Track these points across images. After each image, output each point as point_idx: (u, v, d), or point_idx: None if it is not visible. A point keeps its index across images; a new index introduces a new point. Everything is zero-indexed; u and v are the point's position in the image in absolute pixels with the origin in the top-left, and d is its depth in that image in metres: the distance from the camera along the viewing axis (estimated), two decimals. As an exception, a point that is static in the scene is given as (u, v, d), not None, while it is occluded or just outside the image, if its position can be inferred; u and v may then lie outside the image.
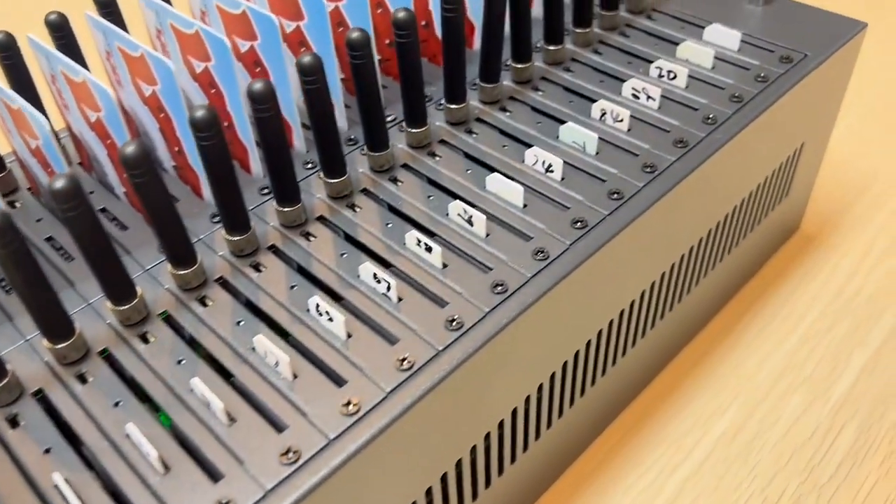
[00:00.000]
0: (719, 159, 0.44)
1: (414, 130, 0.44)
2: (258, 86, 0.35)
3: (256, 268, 0.38)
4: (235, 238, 0.38)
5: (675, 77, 0.48)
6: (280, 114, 0.36)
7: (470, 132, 0.46)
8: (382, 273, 0.36)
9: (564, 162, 0.42)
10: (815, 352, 0.56)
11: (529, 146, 0.43)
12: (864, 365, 0.55)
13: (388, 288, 0.36)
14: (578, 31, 0.52)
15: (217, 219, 0.41)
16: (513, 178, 0.42)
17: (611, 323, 0.44)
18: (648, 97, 0.47)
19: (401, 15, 0.40)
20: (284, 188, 0.39)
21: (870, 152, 0.74)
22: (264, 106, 0.36)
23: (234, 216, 0.38)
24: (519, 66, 0.48)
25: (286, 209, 0.40)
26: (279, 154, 0.38)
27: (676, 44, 0.51)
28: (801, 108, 0.51)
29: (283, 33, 0.44)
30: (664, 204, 0.41)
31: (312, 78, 0.37)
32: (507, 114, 0.47)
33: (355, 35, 0.38)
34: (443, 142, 0.45)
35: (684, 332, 0.56)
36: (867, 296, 0.60)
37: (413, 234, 0.38)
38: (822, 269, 0.63)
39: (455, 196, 0.41)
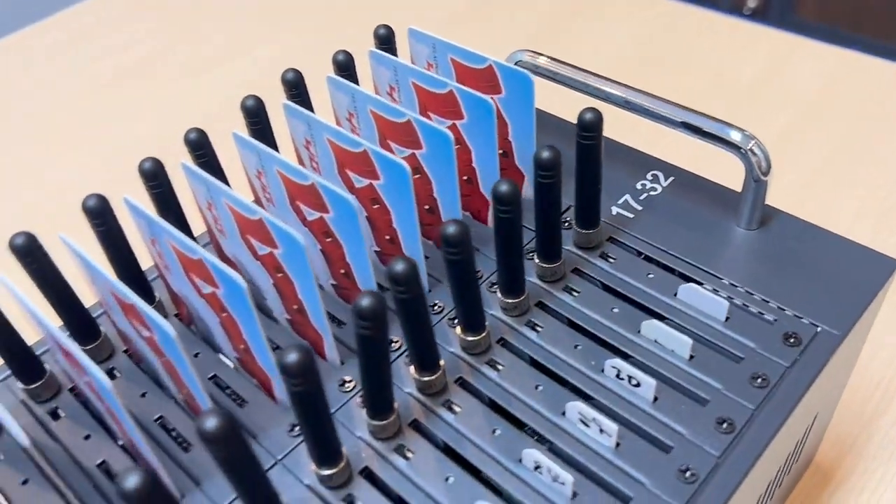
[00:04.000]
0: None
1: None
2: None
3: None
4: (379, 422, 0.34)
5: (638, 385, 0.34)
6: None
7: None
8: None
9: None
10: None
11: None
12: None
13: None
14: (508, 300, 0.38)
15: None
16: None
17: None
18: (601, 430, 0.33)
19: (503, 188, 0.34)
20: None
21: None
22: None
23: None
24: (423, 378, 0.35)
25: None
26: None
27: (640, 305, 0.38)
28: (815, 396, 0.37)
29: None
30: None
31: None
32: (407, 458, 0.34)
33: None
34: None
35: None
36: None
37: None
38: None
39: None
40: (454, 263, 0.33)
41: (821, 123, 0.77)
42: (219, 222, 0.38)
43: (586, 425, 0.33)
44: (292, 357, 0.28)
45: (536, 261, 0.40)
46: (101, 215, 0.36)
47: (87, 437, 0.36)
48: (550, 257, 0.39)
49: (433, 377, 0.35)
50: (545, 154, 0.35)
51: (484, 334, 0.37)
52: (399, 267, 0.31)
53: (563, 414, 0.34)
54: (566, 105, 0.48)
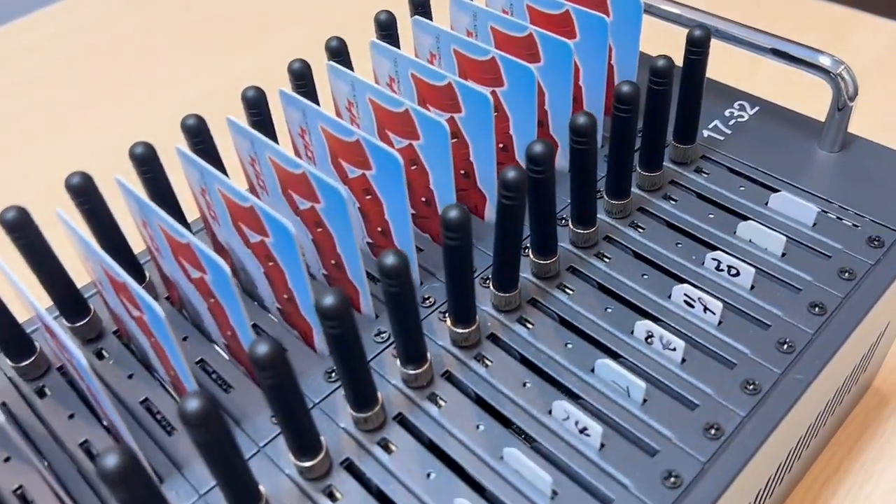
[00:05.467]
0: (799, 410, 0.35)
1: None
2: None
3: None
4: (362, 414, 0.34)
5: (737, 274, 0.38)
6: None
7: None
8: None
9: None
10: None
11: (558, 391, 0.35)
12: None
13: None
14: (614, 201, 0.42)
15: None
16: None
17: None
18: (706, 309, 0.37)
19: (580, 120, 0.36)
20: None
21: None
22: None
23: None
24: (540, 261, 0.39)
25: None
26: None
27: (733, 212, 0.42)
28: (893, 297, 0.40)
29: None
30: (730, 491, 0.32)
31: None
32: (528, 328, 0.37)
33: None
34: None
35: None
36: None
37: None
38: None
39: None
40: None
41: (883, 87, 0.77)
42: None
43: (691, 306, 0.37)
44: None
45: (638, 170, 0.43)
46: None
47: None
48: (652, 167, 0.43)
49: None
50: (661, 62, 0.39)
51: (593, 229, 0.40)
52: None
53: (669, 297, 0.38)
54: (653, 42, 0.49)
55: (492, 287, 0.38)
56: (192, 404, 0.26)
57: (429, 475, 0.33)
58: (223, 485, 0.29)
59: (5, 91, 0.87)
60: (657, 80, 0.39)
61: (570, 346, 0.36)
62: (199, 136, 0.38)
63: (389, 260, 0.30)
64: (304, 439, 0.32)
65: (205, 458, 0.28)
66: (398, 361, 0.35)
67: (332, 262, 0.38)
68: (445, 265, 0.34)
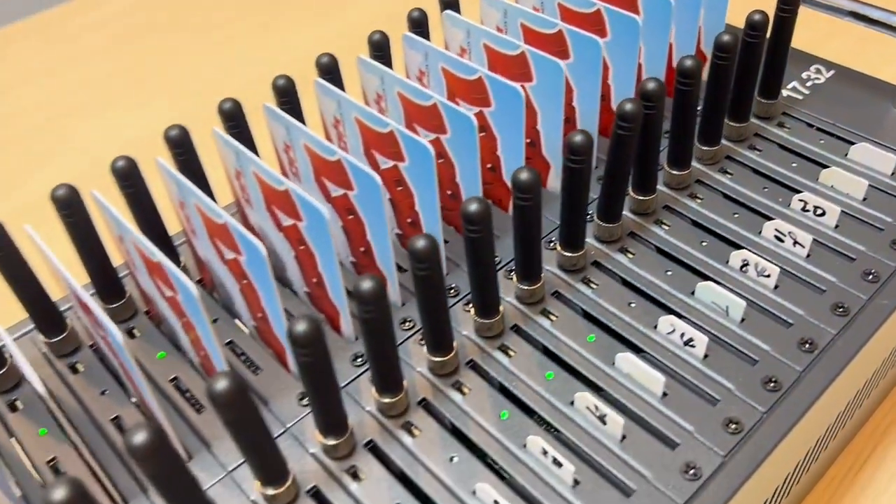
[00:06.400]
0: (885, 331, 0.38)
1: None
2: (367, 284, 0.30)
3: (409, 431, 0.35)
4: (388, 399, 0.34)
5: (822, 214, 0.42)
6: (389, 315, 0.31)
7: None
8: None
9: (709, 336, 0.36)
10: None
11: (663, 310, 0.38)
12: None
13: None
14: (705, 148, 0.45)
15: (358, 361, 0.37)
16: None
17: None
18: (796, 242, 0.40)
19: (577, 138, 0.36)
20: (387, 379, 0.34)
21: None
22: (370, 306, 0.30)
23: (384, 379, 0.34)
24: (640, 197, 0.43)
25: (388, 399, 0.34)
26: (387, 351, 0.33)
27: (815, 161, 0.46)
28: None
29: (378, 170, 0.40)
30: (822, 399, 0.35)
31: (425, 265, 0.32)
32: (629, 257, 0.41)
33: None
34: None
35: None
36: None
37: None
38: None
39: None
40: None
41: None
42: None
43: (781, 241, 0.41)
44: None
45: (726, 121, 0.46)
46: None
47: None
48: (740, 118, 0.47)
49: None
50: (757, 17, 0.42)
51: (687, 171, 0.44)
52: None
53: (760, 233, 0.41)
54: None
55: (596, 219, 0.41)
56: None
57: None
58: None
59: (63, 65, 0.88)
60: (752, 33, 0.42)
61: (669, 272, 0.40)
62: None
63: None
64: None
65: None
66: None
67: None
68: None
